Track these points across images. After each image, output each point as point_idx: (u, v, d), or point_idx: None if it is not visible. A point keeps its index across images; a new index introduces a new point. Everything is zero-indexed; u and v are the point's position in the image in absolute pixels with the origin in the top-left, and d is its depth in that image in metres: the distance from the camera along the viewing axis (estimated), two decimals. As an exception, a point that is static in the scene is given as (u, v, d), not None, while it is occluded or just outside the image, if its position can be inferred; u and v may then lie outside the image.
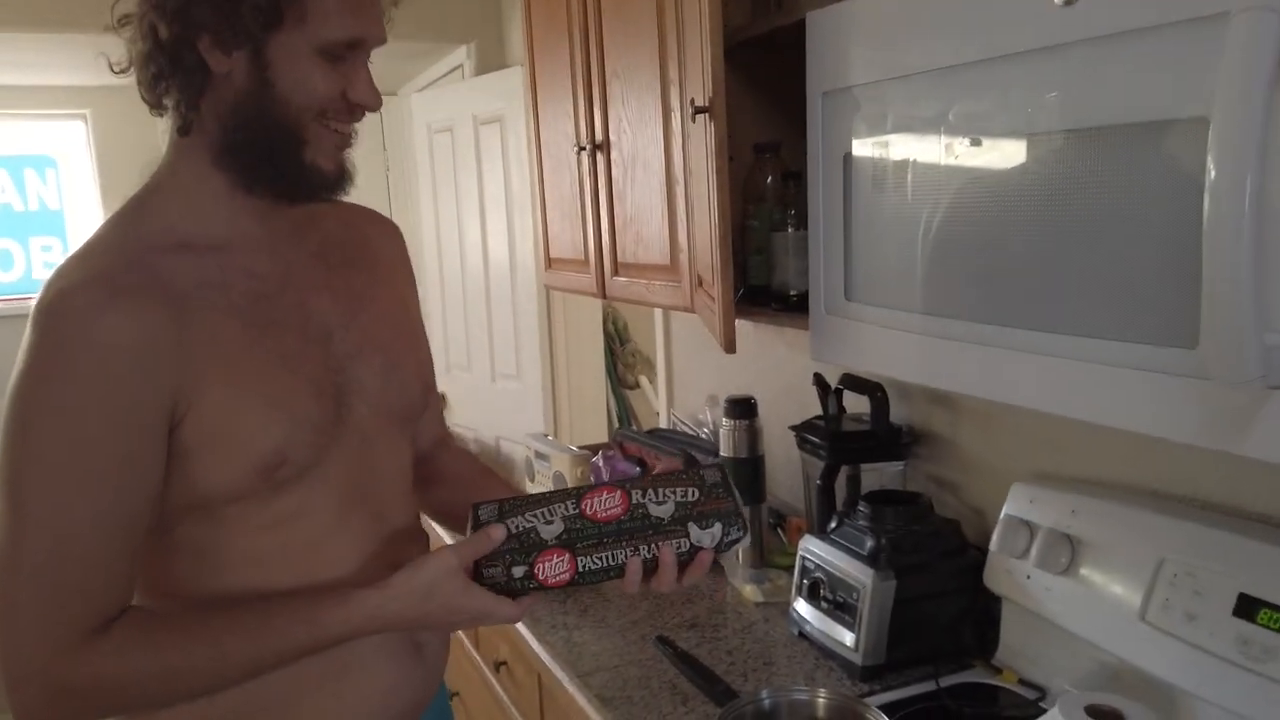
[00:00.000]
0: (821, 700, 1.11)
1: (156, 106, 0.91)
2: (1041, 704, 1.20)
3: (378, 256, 1.09)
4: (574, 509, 0.93)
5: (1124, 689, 1.11)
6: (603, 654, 1.43)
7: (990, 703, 1.24)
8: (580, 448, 2.12)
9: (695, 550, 0.91)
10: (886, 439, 1.52)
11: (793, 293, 1.34)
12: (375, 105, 0.91)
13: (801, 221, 1.33)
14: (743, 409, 1.68)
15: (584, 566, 0.90)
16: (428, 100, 3.45)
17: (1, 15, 2.56)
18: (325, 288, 0.98)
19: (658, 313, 2.43)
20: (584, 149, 1.82)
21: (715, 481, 0.93)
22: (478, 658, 1.89)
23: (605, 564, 0.91)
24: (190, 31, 0.85)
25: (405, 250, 1.16)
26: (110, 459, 0.83)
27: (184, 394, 0.85)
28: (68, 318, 0.81)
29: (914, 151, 0.99)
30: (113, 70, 0.91)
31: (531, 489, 2.22)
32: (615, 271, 1.81)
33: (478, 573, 0.91)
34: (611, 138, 1.74)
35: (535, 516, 0.93)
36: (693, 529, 0.90)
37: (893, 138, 1.01)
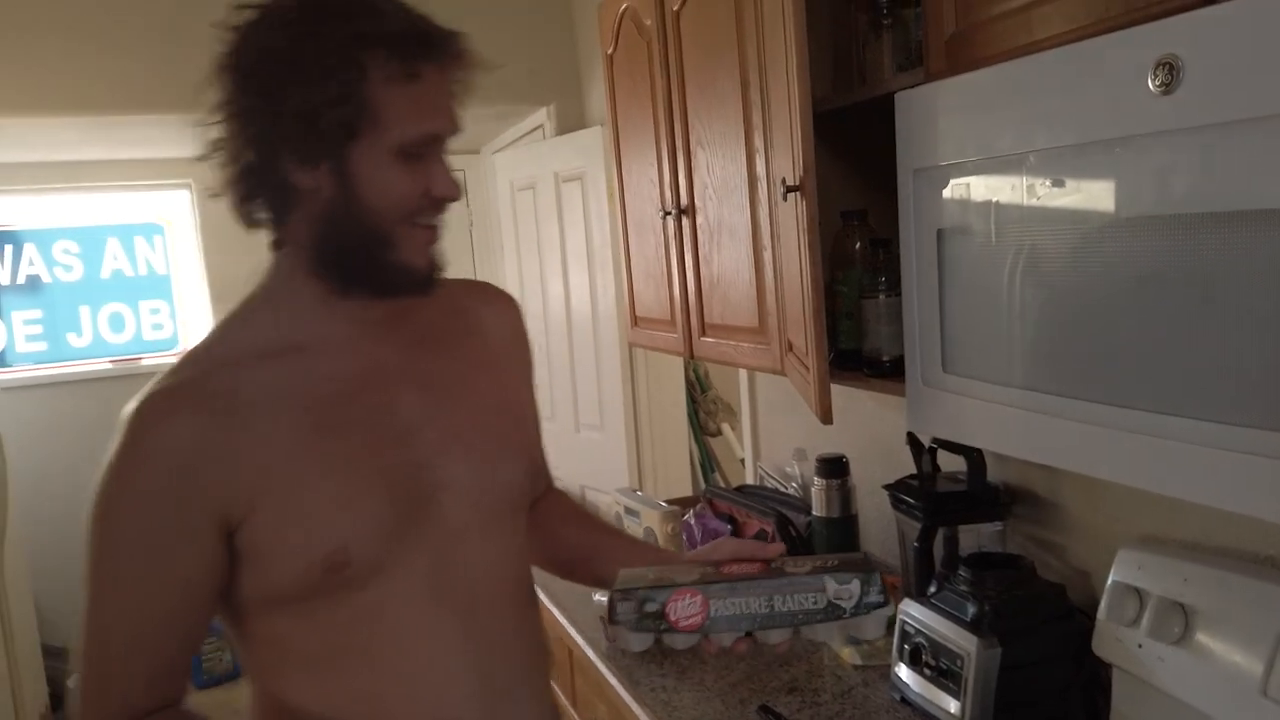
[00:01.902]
0: (932, 776, 1.11)
1: (249, 224, 0.95)
2: (1160, 778, 1.17)
3: (485, 338, 1.10)
4: (712, 570, 0.95)
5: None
6: (702, 718, 1.44)
7: (1105, 775, 1.21)
8: (669, 503, 2.15)
9: (833, 609, 0.90)
10: (984, 499, 1.51)
11: (885, 358, 1.35)
12: (455, 197, 0.93)
13: (892, 287, 1.35)
14: (835, 468, 1.69)
15: (716, 611, 0.90)
16: (509, 159, 3.55)
17: (112, 99, 2.75)
18: (415, 382, 0.99)
19: (742, 370, 2.45)
20: (669, 214, 1.87)
21: (853, 559, 0.94)
22: (575, 716, 1.91)
23: (739, 610, 0.90)
24: (273, 152, 0.88)
25: (520, 324, 1.16)
26: (146, 562, 0.89)
27: (237, 499, 0.89)
28: (134, 424, 0.88)
29: (1010, 229, 1.00)
30: (208, 195, 0.95)
31: (622, 544, 2.25)
32: (703, 332, 1.84)
33: (611, 609, 0.92)
34: (697, 203, 1.78)
35: (672, 572, 0.95)
36: (829, 582, 0.90)
37: (988, 215, 1.02)
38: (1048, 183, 0.94)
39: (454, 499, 0.98)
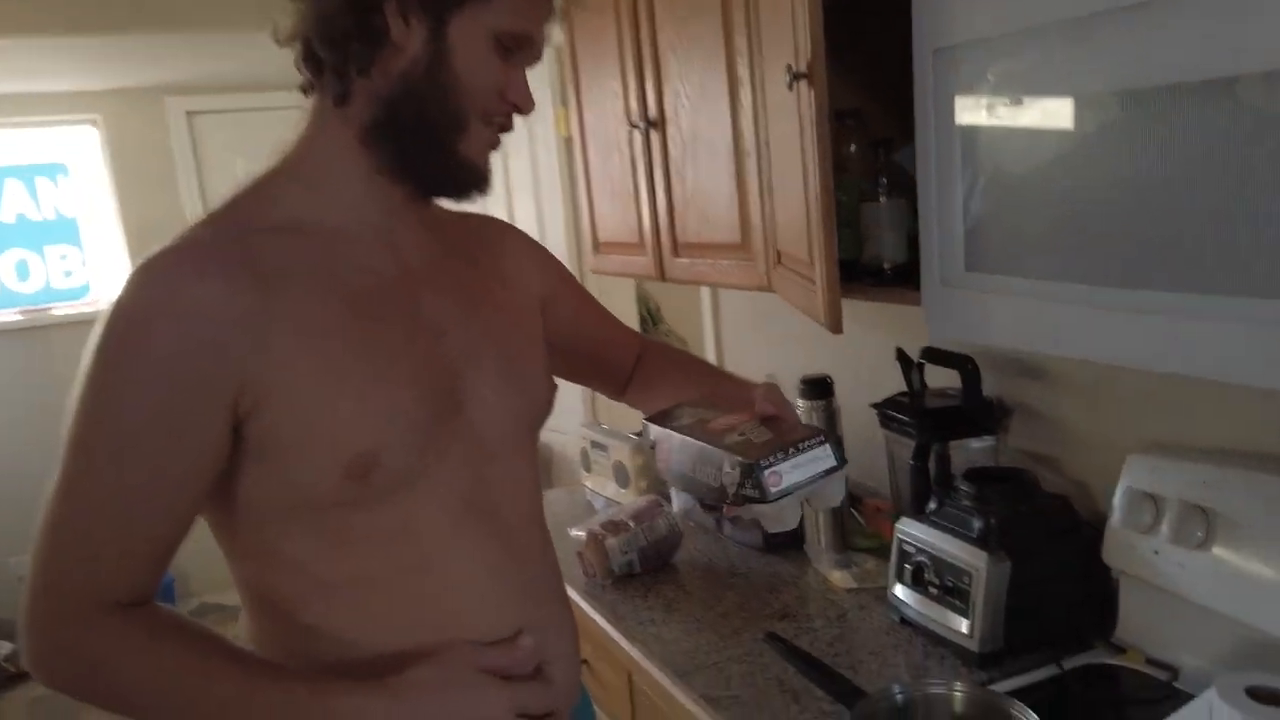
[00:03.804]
0: (959, 694, 1.06)
1: (316, 76, 0.85)
2: (1175, 684, 1.15)
3: (502, 258, 1.05)
4: (711, 416, 0.95)
5: (1275, 665, 1.05)
6: (698, 651, 1.38)
7: (1119, 686, 1.18)
8: (639, 435, 2.06)
9: (722, 491, 0.88)
10: (979, 413, 1.46)
11: (887, 266, 1.28)
12: (529, 108, 0.90)
13: (896, 190, 1.27)
14: (819, 389, 1.63)
15: (671, 462, 0.95)
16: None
17: (4, 22, 2.49)
18: (444, 289, 0.93)
19: (704, 293, 2.37)
20: (637, 127, 1.75)
21: (795, 439, 0.88)
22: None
23: (679, 468, 0.94)
24: None
25: (531, 243, 1.12)
26: (153, 435, 0.78)
27: (262, 377, 0.79)
28: (154, 279, 0.78)
29: (1045, 109, 0.93)
30: (276, 41, 0.86)
31: (588, 481, 2.17)
32: (675, 253, 1.75)
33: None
34: (668, 114, 1.67)
35: (697, 411, 0.98)
36: (725, 461, 0.88)
37: (1020, 95, 0.94)
38: (1086, 55, 0.86)
39: (484, 412, 0.92)
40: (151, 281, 0.78)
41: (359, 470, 0.82)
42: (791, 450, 0.86)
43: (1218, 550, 1.09)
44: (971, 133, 1.01)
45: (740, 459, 0.85)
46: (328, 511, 0.84)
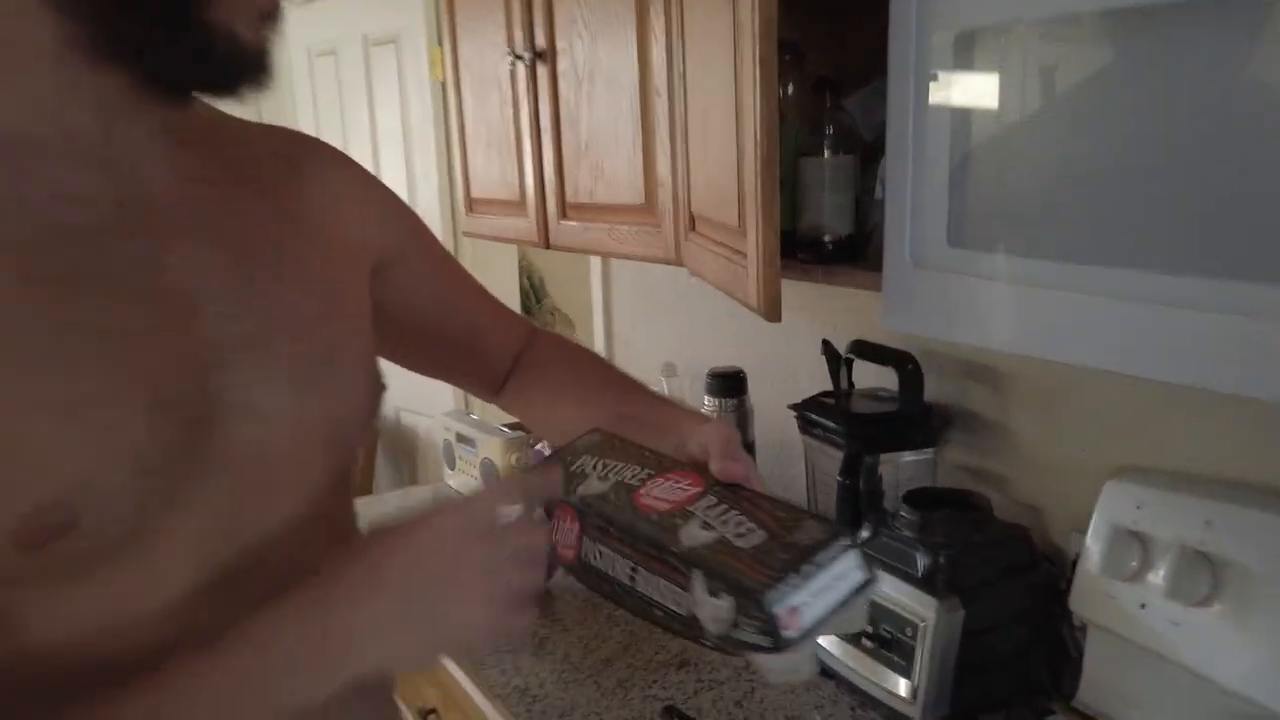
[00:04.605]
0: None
1: None
2: (1158, 766, 0.94)
3: (316, 198, 0.71)
4: (638, 479, 0.62)
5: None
6: (575, 713, 1.10)
7: (1092, 766, 0.97)
8: (511, 428, 1.76)
9: (694, 624, 0.55)
10: (919, 422, 1.23)
11: (828, 238, 1.02)
12: None
13: (842, 143, 1.01)
14: (730, 385, 1.37)
15: (586, 554, 0.61)
16: (306, 18, 2.95)
17: None
18: (205, 236, 0.61)
19: (594, 265, 2.08)
20: (520, 58, 1.44)
21: (796, 543, 0.55)
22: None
23: (605, 566, 0.60)
24: None
25: (368, 179, 0.78)
26: None
27: None
28: None
29: (1057, 46, 0.68)
30: None
31: (450, 479, 1.86)
32: (564, 214, 1.45)
33: None
34: (560, 43, 1.37)
35: (601, 465, 0.65)
36: (698, 581, 0.54)
37: (1021, 23, 0.69)
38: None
39: (257, 428, 0.60)
40: None
41: (37, 535, 0.50)
42: (807, 566, 0.53)
43: (1223, 608, 0.88)
44: (963, 76, 0.75)
45: (725, 584, 0.53)
46: None
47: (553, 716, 1.09)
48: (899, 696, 1.02)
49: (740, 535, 0.55)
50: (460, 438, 1.79)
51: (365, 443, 0.72)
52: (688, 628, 0.55)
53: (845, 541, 0.55)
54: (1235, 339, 0.60)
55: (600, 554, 0.60)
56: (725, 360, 1.55)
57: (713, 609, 0.53)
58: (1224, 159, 0.60)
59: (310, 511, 0.64)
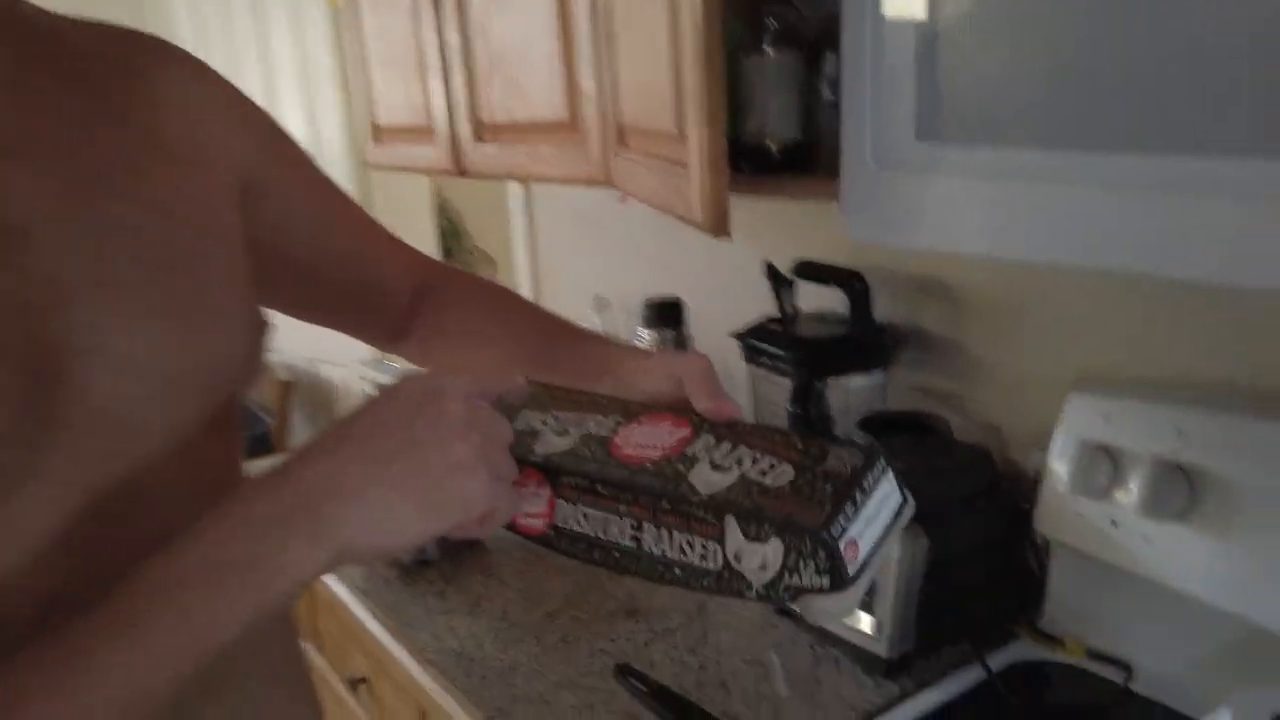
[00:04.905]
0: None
1: None
2: (1131, 687, 0.90)
3: (163, 107, 0.58)
4: (609, 428, 0.54)
5: (1266, 666, 0.82)
6: (515, 674, 1.02)
7: (1064, 690, 0.93)
8: (434, 375, 1.65)
9: (730, 578, 0.48)
10: (871, 344, 1.16)
11: (774, 146, 0.93)
12: None
13: (789, 40, 0.91)
14: (667, 315, 1.28)
15: (564, 520, 0.53)
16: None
17: None
18: (28, 151, 0.50)
19: (514, 195, 1.95)
20: (421, -36, 1.30)
21: (831, 471, 0.49)
22: (328, 668, 1.42)
23: (593, 531, 0.52)
24: None
25: (222, 86, 0.64)
26: None
27: None
28: None
29: None
30: None
31: (373, 431, 1.74)
32: (478, 137, 1.33)
33: None
34: (464, -57, 1.24)
35: (552, 419, 0.56)
36: (732, 528, 0.48)
37: None
38: None
39: (113, 378, 0.50)
40: None
41: None
42: (857, 494, 0.47)
43: (1200, 520, 0.84)
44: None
45: (772, 526, 0.47)
46: None
47: (493, 679, 1.01)
48: (862, 632, 0.96)
49: (764, 473, 0.49)
50: (380, 389, 1.67)
51: (248, 384, 0.61)
52: (721, 583, 0.48)
53: (883, 463, 0.50)
54: (1246, 224, 0.53)
55: (586, 517, 0.52)
56: (660, 290, 1.45)
57: (757, 556, 0.47)
58: (1231, 26, 0.52)
59: (185, 462, 0.53)
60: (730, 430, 0.53)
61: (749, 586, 0.47)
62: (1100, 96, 0.59)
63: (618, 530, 0.51)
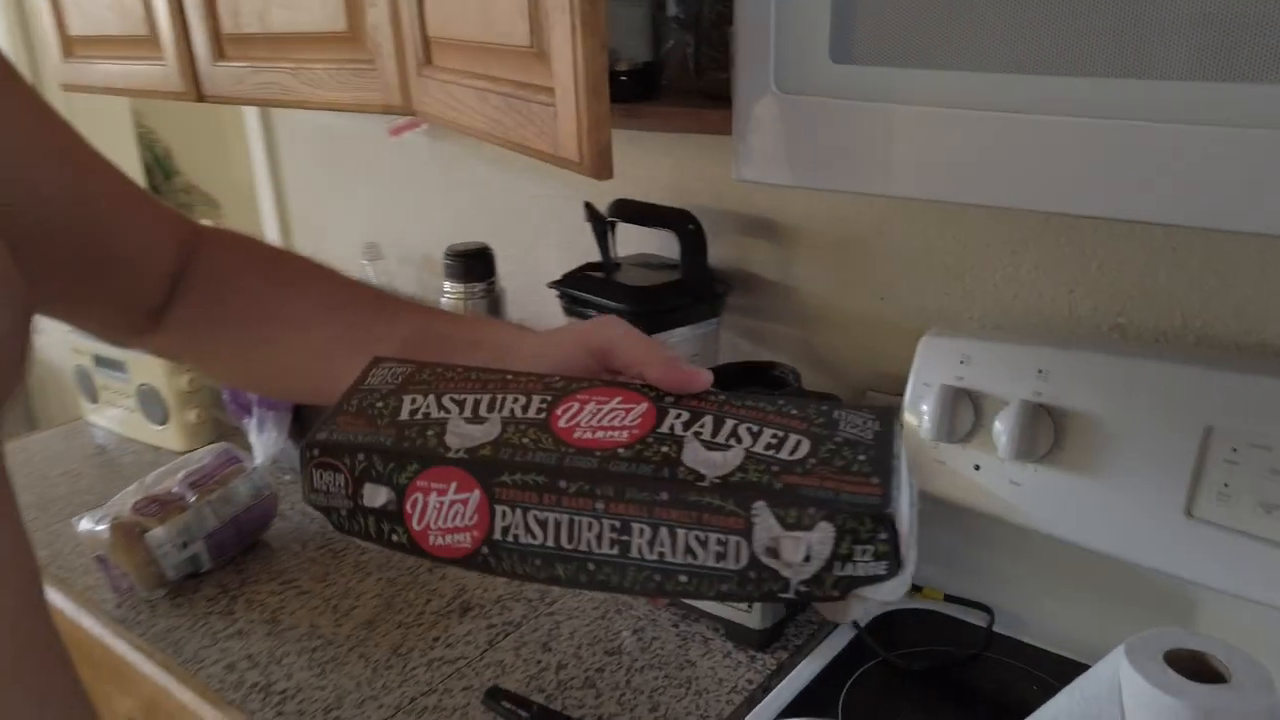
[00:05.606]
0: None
1: None
2: (994, 629, 0.91)
3: None
4: (540, 409, 0.43)
5: (1140, 605, 0.85)
6: (345, 705, 0.86)
7: (935, 636, 0.92)
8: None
9: (761, 576, 0.38)
10: (703, 291, 1.08)
11: (623, 69, 0.80)
12: None
13: (638, -62, 0.78)
14: (477, 266, 1.13)
15: (507, 532, 0.41)
16: None
17: None
18: None
19: (252, 121, 1.66)
20: None
21: (852, 439, 0.41)
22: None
23: (551, 542, 0.40)
24: None
25: None
26: None
27: None
28: None
29: None
30: None
31: (93, 415, 1.44)
32: (220, 52, 1.08)
33: (306, 479, 0.43)
34: None
35: (453, 405, 0.44)
36: (763, 516, 0.38)
37: None
38: None
39: None
40: None
41: None
42: (895, 462, 0.40)
43: (1068, 460, 0.84)
44: None
45: (818, 508, 0.38)
46: None
47: (318, 716, 0.84)
48: (733, 605, 0.90)
49: (772, 447, 0.40)
50: (101, 361, 1.37)
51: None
52: (745, 585, 0.39)
53: (899, 422, 0.44)
54: (1202, 155, 0.49)
55: (541, 525, 0.40)
56: (445, 238, 1.28)
57: (800, 547, 0.38)
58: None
59: None
60: (701, 401, 0.44)
61: (784, 585, 0.39)
62: (1044, 10, 0.52)
63: (593, 537, 0.40)
